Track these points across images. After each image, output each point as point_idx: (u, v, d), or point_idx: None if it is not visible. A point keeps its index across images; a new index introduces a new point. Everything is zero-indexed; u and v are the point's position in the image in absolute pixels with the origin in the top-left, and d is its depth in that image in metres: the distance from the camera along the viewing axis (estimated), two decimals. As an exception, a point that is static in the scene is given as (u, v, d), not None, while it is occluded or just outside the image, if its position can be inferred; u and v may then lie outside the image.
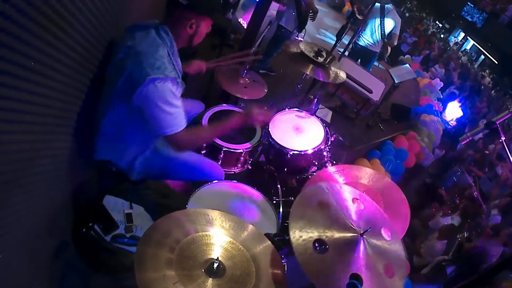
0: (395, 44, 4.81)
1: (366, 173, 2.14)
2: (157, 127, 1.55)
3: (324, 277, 1.27)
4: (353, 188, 1.70)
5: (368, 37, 4.73)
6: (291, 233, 1.35)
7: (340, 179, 2.10)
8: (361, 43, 4.83)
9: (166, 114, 1.52)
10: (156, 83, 1.45)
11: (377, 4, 4.61)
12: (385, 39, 4.64)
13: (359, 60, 4.97)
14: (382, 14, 4.53)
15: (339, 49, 5.21)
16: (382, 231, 1.53)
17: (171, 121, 1.54)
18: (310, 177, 2.18)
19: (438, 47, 12.03)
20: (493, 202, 5.09)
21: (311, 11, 3.91)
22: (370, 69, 5.08)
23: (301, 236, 1.35)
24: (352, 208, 1.56)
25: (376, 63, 5.29)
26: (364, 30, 4.72)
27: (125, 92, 1.50)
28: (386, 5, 4.53)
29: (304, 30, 4.06)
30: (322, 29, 8.06)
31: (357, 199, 1.62)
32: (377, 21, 4.58)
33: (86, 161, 1.86)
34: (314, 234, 1.37)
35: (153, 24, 1.58)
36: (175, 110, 1.53)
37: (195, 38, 1.66)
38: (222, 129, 1.83)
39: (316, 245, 1.35)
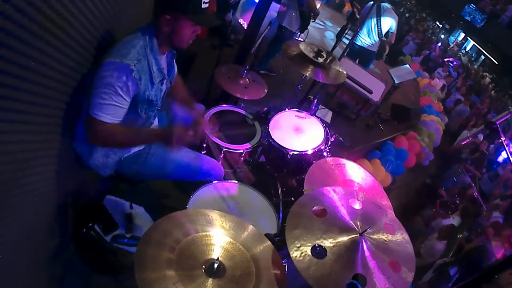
0: (393, 42, 4.79)
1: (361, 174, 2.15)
2: (89, 105, 1.48)
3: (330, 284, 1.26)
4: (348, 188, 1.69)
5: (365, 37, 4.71)
6: (291, 252, 1.31)
7: (343, 174, 2.10)
8: (358, 43, 4.81)
9: (100, 97, 1.45)
10: (109, 66, 1.44)
11: (371, 3, 4.59)
12: (383, 38, 4.62)
13: (357, 60, 4.97)
14: (378, 13, 4.51)
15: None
16: (384, 227, 1.52)
17: (99, 105, 1.46)
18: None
19: (439, 49, 12.07)
20: (494, 202, 5.09)
21: (312, 13, 3.91)
22: (368, 69, 5.08)
23: (301, 252, 1.32)
24: (348, 208, 1.54)
25: (372, 66, 5.27)
26: (361, 30, 4.69)
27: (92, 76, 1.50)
28: (382, 4, 4.50)
29: (306, 31, 4.06)
30: (323, 29, 8.07)
31: (354, 198, 1.61)
32: (374, 20, 4.55)
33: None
34: (312, 244, 1.35)
35: (144, 25, 1.59)
36: (108, 98, 1.46)
37: (174, 37, 1.58)
38: (137, 138, 1.71)
39: (317, 249, 1.34)
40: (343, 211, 1.52)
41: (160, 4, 1.52)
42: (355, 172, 2.13)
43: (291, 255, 1.31)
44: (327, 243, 1.37)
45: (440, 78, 9.74)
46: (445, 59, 11.32)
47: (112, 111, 1.49)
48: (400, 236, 1.51)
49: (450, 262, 3.31)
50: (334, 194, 1.60)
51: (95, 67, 1.50)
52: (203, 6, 1.52)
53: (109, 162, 1.76)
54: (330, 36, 7.93)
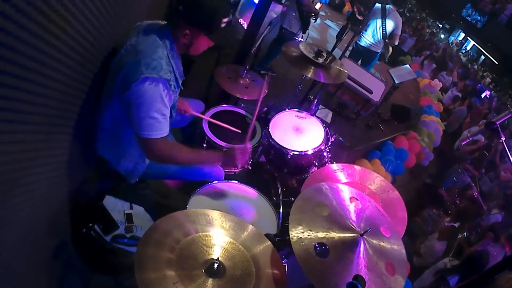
0: (396, 44, 4.82)
1: (367, 175, 2.15)
2: (136, 127, 1.53)
3: (327, 281, 1.26)
4: (350, 187, 1.69)
5: (370, 38, 4.75)
6: (291, 237, 1.34)
7: (342, 177, 2.10)
8: (362, 43, 4.85)
9: (148, 117, 1.49)
10: (148, 83, 1.44)
11: (378, 5, 4.62)
12: (387, 39, 4.65)
13: (360, 61, 4.98)
14: (384, 15, 4.55)
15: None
16: (382, 230, 1.52)
17: (151, 125, 1.51)
18: (310, 175, 2.16)
19: (443, 49, 12.04)
20: (493, 202, 5.10)
21: (312, 13, 3.92)
22: (371, 70, 5.09)
23: (301, 241, 1.34)
24: (351, 208, 1.55)
25: (372, 70, 5.30)
26: (366, 30, 4.74)
27: (121, 88, 1.51)
28: (387, 6, 4.54)
29: (307, 32, 4.06)
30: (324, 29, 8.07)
31: (355, 198, 1.62)
32: (379, 21, 4.60)
33: (86, 161, 1.86)
34: (314, 237, 1.37)
35: (157, 26, 1.60)
36: (158, 115, 1.51)
37: (191, 49, 1.64)
38: (200, 158, 1.80)
39: (317, 248, 1.35)
40: (345, 209, 1.53)
41: (182, 19, 1.54)
42: (347, 173, 2.14)
43: (292, 237, 1.33)
44: (329, 238, 1.37)
45: (445, 83, 9.74)
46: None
47: (161, 126, 1.54)
48: (396, 241, 1.52)
49: (450, 269, 3.29)
50: (337, 190, 1.61)
51: (115, 78, 1.53)
52: (222, 25, 1.58)
53: (138, 169, 1.83)
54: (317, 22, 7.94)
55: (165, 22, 1.63)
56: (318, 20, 8.00)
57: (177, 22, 1.55)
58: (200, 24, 1.55)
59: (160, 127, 1.53)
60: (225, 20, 1.57)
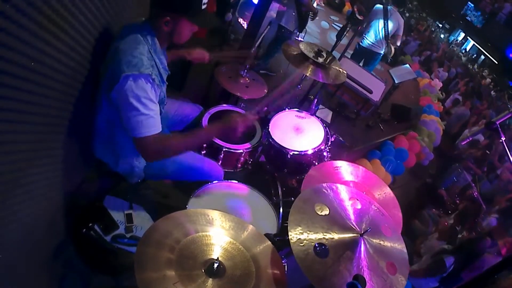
0: (398, 45, 4.82)
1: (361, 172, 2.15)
2: (129, 128, 1.50)
3: (326, 281, 1.26)
4: (349, 187, 1.69)
5: (372, 39, 4.75)
6: (290, 239, 1.33)
7: (343, 175, 2.11)
8: (364, 44, 4.85)
9: (135, 115, 1.46)
10: (129, 81, 1.43)
11: (379, 6, 4.62)
12: (389, 40, 4.65)
13: (363, 61, 4.98)
14: (386, 16, 4.54)
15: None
16: (382, 229, 1.52)
17: (141, 122, 1.48)
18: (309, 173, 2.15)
19: (442, 49, 12.06)
20: (494, 202, 5.10)
21: (311, 12, 3.93)
22: (372, 70, 5.09)
23: (301, 242, 1.34)
24: (350, 207, 1.55)
25: (378, 66, 5.29)
26: (368, 31, 4.74)
27: (107, 89, 1.50)
28: (388, 7, 4.54)
29: (304, 30, 4.08)
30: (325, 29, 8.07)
31: (355, 198, 1.62)
32: (381, 22, 4.59)
33: (86, 161, 1.86)
34: (314, 237, 1.36)
35: (138, 23, 1.58)
36: (147, 111, 1.48)
37: (175, 36, 1.61)
38: (195, 140, 1.73)
39: (317, 248, 1.35)
40: (345, 209, 1.53)
41: (159, 6, 1.52)
42: (350, 171, 2.14)
43: (291, 240, 1.32)
44: (328, 239, 1.37)
45: (441, 79, 9.76)
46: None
47: (153, 123, 1.52)
48: (397, 240, 1.52)
49: (447, 249, 3.32)
50: (338, 192, 1.61)
51: (103, 79, 1.52)
52: (203, 7, 1.54)
53: (136, 170, 1.82)
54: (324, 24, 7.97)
55: (144, 19, 1.61)
56: (326, 24, 8.04)
57: (157, 12, 1.54)
58: (179, 6, 1.51)
59: (151, 123, 1.51)
60: (205, 0, 1.55)
